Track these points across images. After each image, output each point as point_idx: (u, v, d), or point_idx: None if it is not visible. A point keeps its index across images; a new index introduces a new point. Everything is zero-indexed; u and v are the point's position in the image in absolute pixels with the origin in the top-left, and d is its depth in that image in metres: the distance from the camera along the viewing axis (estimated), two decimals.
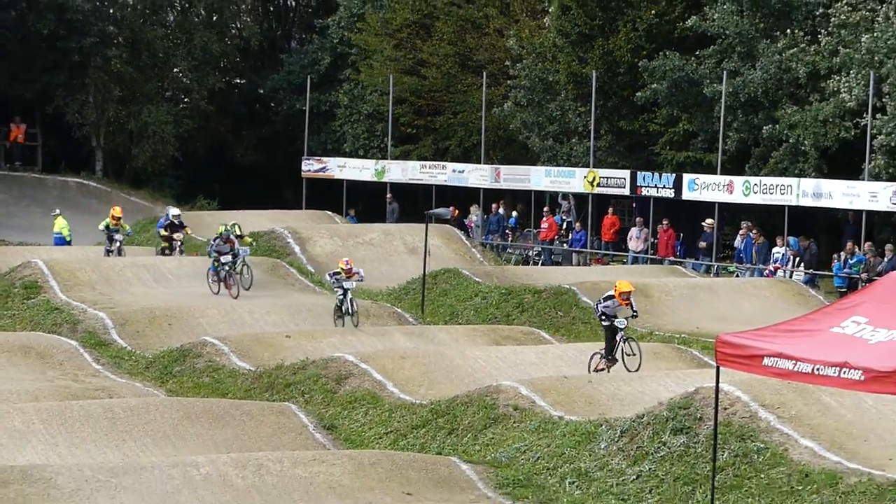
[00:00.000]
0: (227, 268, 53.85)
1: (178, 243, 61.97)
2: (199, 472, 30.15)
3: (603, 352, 41.79)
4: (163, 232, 62.16)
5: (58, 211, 70.92)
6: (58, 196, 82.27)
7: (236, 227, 57.10)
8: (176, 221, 62.01)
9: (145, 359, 46.52)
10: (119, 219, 62.69)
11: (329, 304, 53.33)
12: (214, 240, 54.51)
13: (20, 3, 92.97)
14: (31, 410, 35.51)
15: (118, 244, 61.24)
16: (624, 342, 41.37)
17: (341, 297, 47.50)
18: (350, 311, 47.71)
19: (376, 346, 45.99)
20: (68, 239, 68.60)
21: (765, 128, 69.50)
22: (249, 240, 57.95)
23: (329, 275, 49.02)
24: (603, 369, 41.45)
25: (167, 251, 61.94)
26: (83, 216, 77.77)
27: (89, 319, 50.71)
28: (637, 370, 40.55)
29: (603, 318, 41.81)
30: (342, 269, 47.54)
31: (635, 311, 43.08)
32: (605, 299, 41.74)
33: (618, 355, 41.56)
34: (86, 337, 48.38)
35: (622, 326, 41.56)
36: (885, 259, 60.72)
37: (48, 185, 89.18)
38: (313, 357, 43.25)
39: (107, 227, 61.75)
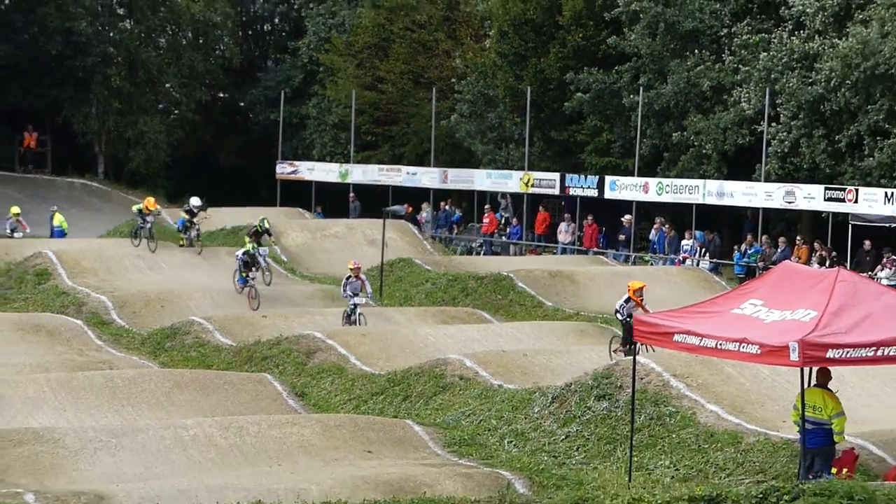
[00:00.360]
0: (253, 281, 52.49)
1: (198, 225, 61.01)
2: (187, 433, 30.26)
3: (621, 338, 40.06)
4: (183, 214, 61.46)
5: (55, 207, 71.02)
6: (65, 195, 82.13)
7: (265, 221, 55.69)
8: (195, 210, 60.77)
9: (141, 336, 46.58)
10: (151, 211, 61.25)
11: (301, 288, 53.50)
12: (242, 254, 53.15)
13: (32, 27, 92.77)
14: (43, 380, 35.57)
15: (149, 225, 60.07)
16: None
17: (352, 307, 46.38)
18: (358, 322, 46.36)
19: (338, 324, 46.12)
20: (66, 231, 68.72)
21: (674, 135, 69.82)
22: (272, 239, 56.80)
23: (343, 285, 47.74)
24: (620, 351, 39.37)
25: (186, 238, 61.06)
26: (87, 212, 78.03)
27: (92, 302, 50.74)
28: None
29: (621, 316, 40.57)
30: (350, 269, 46.82)
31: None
32: (626, 302, 39.92)
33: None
34: (89, 317, 48.40)
35: None
36: (779, 250, 60.94)
37: (57, 185, 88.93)
38: (286, 334, 43.34)
39: (139, 210, 60.55)
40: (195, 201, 60.72)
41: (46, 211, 70.85)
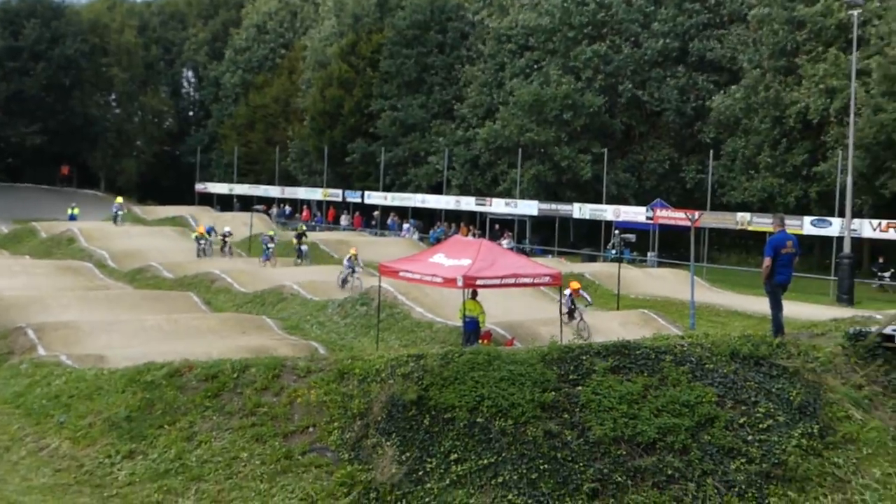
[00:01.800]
0: (268, 251, 46.48)
1: (229, 244, 51.54)
2: (148, 323, 29.48)
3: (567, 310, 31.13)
4: (219, 238, 51.72)
5: (74, 205, 68.74)
6: (82, 199, 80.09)
7: (302, 226, 51.83)
8: (228, 234, 51.54)
9: (123, 272, 45.23)
10: (203, 232, 51.53)
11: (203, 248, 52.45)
12: (264, 237, 48.59)
13: (67, 112, 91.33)
14: (71, 295, 34.39)
15: (203, 244, 50.19)
16: (580, 320, 30.76)
17: (349, 272, 41.65)
18: (354, 283, 39.36)
19: (228, 266, 45.21)
20: (77, 216, 66.17)
21: (403, 178, 70.15)
22: (309, 240, 51.33)
23: (346, 260, 42.48)
24: (566, 314, 30.79)
25: (224, 252, 51.27)
26: (94, 208, 76.05)
27: (98, 255, 49.21)
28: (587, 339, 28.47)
29: (565, 308, 30.76)
30: (353, 254, 43.24)
31: (590, 302, 32.55)
32: (569, 296, 30.64)
33: (576, 316, 30.94)
34: (96, 263, 46.87)
35: (581, 311, 31.05)
36: (453, 230, 61.53)
37: (78, 194, 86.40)
38: (201, 271, 42.51)
39: (196, 237, 51.08)
40: (227, 229, 52.56)
41: (68, 206, 68.84)
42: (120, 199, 64.19)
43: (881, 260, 47.89)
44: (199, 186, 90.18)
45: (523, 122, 60.16)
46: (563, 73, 60.18)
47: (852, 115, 42.70)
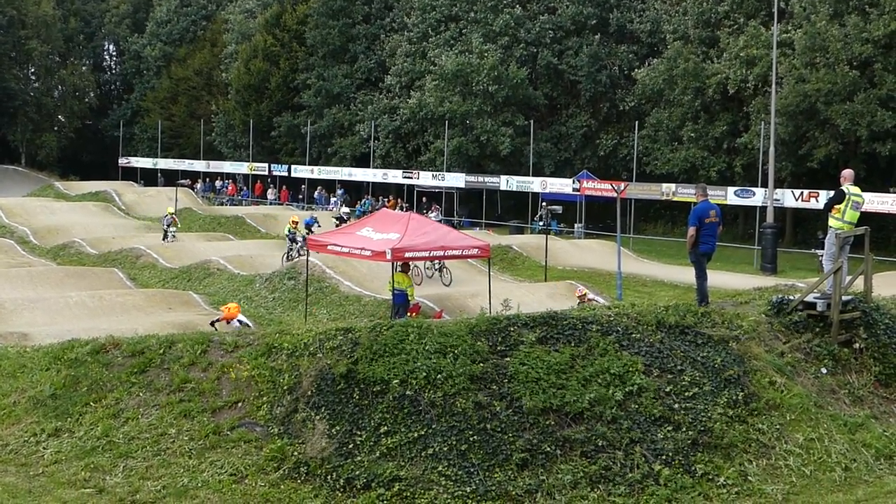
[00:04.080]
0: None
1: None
2: (72, 300, 29.18)
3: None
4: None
5: None
6: (1, 175, 78.90)
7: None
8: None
9: (46, 249, 44.56)
10: (297, 223, 40.46)
11: (134, 223, 51.73)
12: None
13: None
14: None
15: (298, 244, 38.40)
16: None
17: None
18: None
19: (153, 242, 44.74)
20: None
21: (328, 149, 69.74)
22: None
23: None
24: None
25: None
26: (16, 184, 74.98)
27: (20, 231, 48.54)
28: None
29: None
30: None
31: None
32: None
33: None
34: (18, 239, 46.20)
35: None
36: (380, 203, 61.40)
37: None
38: (126, 247, 41.97)
39: (289, 231, 39.77)
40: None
41: None
42: (171, 210, 49.90)
43: (821, 235, 48.52)
44: (123, 161, 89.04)
45: (445, 92, 60.10)
46: (484, 42, 60.07)
47: (774, 86, 43.27)
